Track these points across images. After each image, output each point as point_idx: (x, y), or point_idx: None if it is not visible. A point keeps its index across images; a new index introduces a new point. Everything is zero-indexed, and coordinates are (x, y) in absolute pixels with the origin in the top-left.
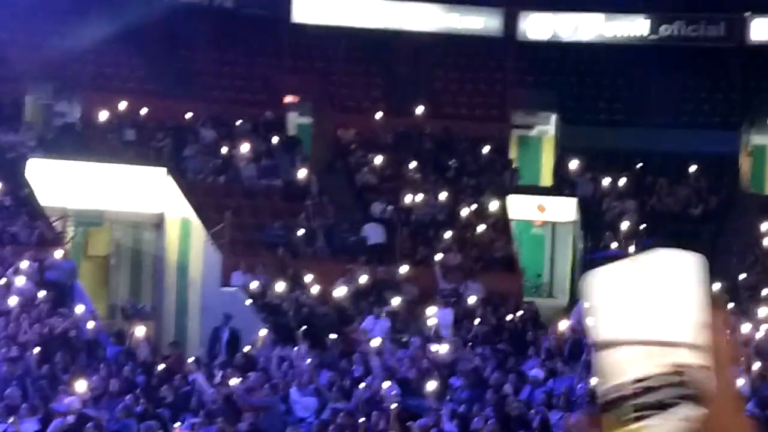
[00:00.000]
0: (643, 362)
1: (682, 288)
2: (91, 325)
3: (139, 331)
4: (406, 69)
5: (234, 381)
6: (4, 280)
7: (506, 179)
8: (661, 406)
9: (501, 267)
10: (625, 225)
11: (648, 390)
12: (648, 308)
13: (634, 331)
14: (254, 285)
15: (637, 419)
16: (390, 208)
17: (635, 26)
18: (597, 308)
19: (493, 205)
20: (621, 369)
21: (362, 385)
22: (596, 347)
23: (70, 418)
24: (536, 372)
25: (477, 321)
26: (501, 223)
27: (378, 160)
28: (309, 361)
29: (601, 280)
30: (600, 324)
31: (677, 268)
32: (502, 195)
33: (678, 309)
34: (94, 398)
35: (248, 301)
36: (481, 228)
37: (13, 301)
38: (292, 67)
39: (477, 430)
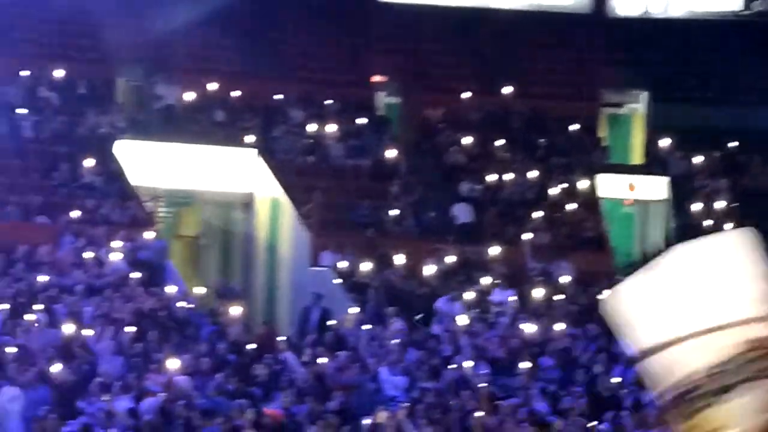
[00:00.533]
0: (713, 349)
1: (735, 266)
2: (182, 304)
3: (232, 310)
4: (495, 47)
5: (324, 360)
6: (97, 260)
7: (596, 158)
8: (746, 381)
9: (591, 246)
10: (717, 204)
11: (726, 372)
12: (703, 295)
13: (695, 323)
14: (343, 264)
15: (716, 403)
16: (478, 187)
17: (727, 2)
18: (637, 318)
19: (583, 184)
20: (684, 364)
21: (451, 365)
22: (644, 355)
23: (163, 396)
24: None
25: (567, 301)
26: (591, 202)
27: (466, 139)
28: (398, 340)
29: (634, 290)
30: (646, 331)
31: (722, 249)
32: (591, 174)
33: (736, 287)
34: (186, 377)
35: (337, 281)
36: (570, 207)
37: (106, 280)
38: (380, 47)
39: (567, 410)
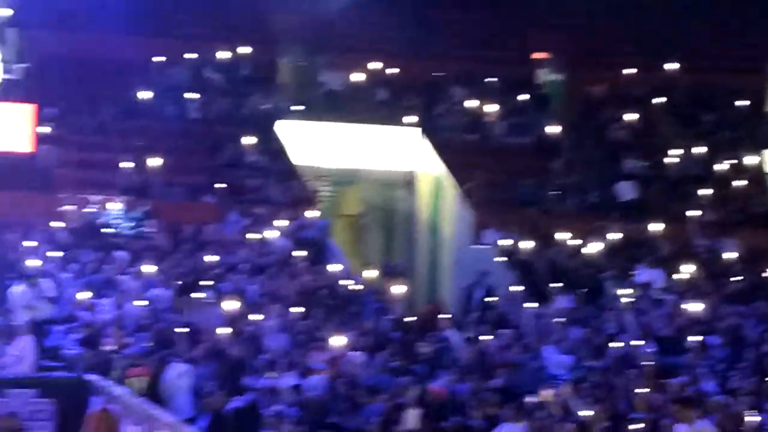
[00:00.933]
0: None
1: None
2: (346, 282)
3: (396, 288)
4: (658, 21)
5: (487, 338)
6: (261, 239)
7: (764, 133)
8: None
9: (759, 223)
10: None
11: None
12: None
13: None
14: (505, 243)
15: None
16: (643, 164)
17: None
18: None
19: (751, 160)
20: None
21: (616, 343)
22: None
23: (327, 374)
24: None
25: (734, 278)
26: (758, 177)
27: (630, 115)
28: (562, 318)
29: None
30: None
31: None
32: (759, 149)
33: None
34: (353, 354)
35: (500, 259)
36: (738, 183)
37: (270, 258)
38: (542, 23)
39: (736, 389)
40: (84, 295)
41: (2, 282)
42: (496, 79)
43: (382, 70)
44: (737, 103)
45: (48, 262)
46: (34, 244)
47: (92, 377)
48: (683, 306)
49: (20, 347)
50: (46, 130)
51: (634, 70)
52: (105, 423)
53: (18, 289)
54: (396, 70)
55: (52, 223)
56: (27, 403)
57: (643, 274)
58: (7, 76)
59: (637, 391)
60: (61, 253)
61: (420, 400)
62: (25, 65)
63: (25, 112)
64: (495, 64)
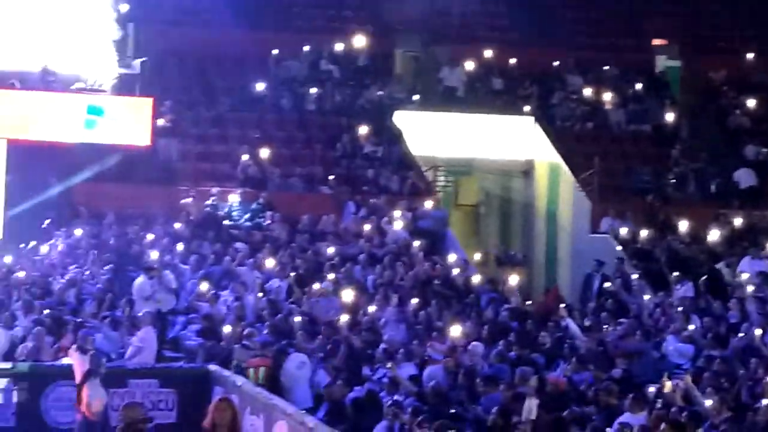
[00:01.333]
0: None
1: None
2: (463, 272)
3: (512, 278)
4: None
5: (606, 327)
6: (379, 229)
7: None
8: None
9: None
10: None
11: None
12: None
13: None
14: (624, 231)
15: None
16: (764, 150)
17: None
18: None
19: None
20: None
21: (739, 332)
22: None
23: (447, 363)
24: None
25: None
26: None
27: (750, 101)
28: (682, 307)
29: None
30: None
31: None
32: None
33: None
34: (474, 344)
35: (618, 247)
36: None
37: (388, 249)
38: (659, 10)
39: None
40: (204, 287)
41: (124, 274)
42: (612, 67)
43: (498, 59)
44: None
45: (168, 254)
46: (155, 236)
47: (213, 368)
48: None
49: (142, 338)
50: (165, 123)
51: (753, 55)
52: (226, 413)
53: (139, 281)
54: (511, 59)
55: (172, 216)
56: (149, 393)
57: (764, 262)
58: (125, 71)
59: (760, 381)
60: (181, 245)
61: (539, 390)
62: (143, 59)
63: (144, 105)
64: (612, 52)
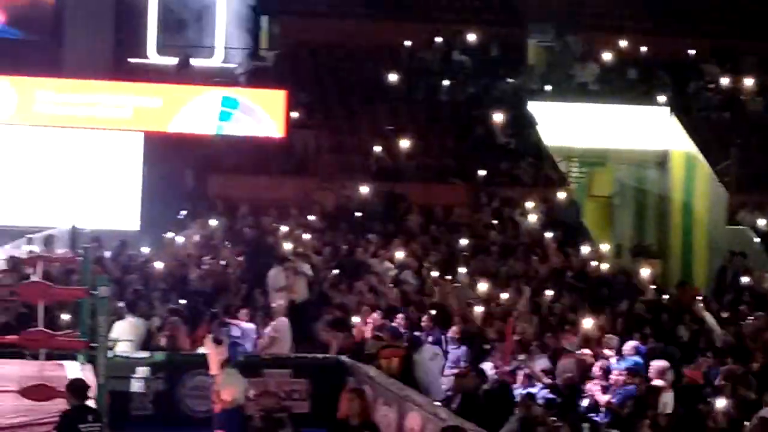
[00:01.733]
0: None
1: None
2: (597, 263)
3: (644, 271)
4: None
5: (743, 320)
6: (512, 220)
7: None
8: None
9: None
10: None
11: None
12: None
13: None
14: (762, 223)
15: None
16: None
17: None
18: None
19: None
20: None
21: None
22: None
23: (579, 356)
24: None
25: None
26: None
27: None
28: None
29: None
30: None
31: None
32: None
33: None
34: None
35: (756, 239)
36: None
37: (521, 240)
38: None
39: None
40: (336, 278)
41: (260, 265)
42: (750, 55)
43: (632, 48)
44: None
45: (302, 245)
46: (289, 228)
47: (345, 358)
48: None
49: (277, 328)
50: (299, 115)
51: None
52: (354, 403)
53: (274, 272)
54: (646, 49)
55: (306, 207)
56: (284, 383)
57: None
58: (259, 63)
59: None
60: (314, 237)
61: (675, 383)
62: (276, 52)
63: (278, 98)
64: (750, 40)
